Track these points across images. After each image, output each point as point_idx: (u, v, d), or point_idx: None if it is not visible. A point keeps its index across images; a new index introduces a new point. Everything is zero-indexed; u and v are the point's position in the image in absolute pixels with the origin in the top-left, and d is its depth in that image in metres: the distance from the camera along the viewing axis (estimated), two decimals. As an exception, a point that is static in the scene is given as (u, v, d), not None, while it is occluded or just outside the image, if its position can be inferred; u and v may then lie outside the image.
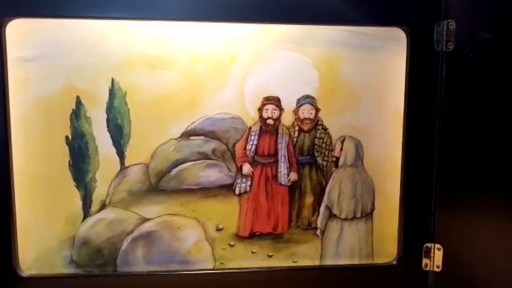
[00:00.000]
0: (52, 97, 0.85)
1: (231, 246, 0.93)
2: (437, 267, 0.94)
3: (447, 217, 0.93)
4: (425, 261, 0.94)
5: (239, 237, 0.93)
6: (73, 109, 0.86)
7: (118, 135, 0.88)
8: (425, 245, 0.94)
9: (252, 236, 0.94)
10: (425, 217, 0.93)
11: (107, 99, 0.86)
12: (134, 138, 0.88)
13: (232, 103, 0.89)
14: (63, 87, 0.85)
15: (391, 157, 0.94)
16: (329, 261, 0.96)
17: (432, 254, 0.94)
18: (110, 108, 0.87)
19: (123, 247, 0.90)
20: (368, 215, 0.96)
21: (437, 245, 0.93)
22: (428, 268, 0.94)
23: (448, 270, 0.94)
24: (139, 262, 0.91)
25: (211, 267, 0.93)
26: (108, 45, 0.85)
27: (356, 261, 0.96)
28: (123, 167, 0.88)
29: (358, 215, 0.95)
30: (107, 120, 0.87)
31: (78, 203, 0.88)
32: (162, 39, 0.86)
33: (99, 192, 0.88)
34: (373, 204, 0.96)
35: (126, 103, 0.87)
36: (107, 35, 0.85)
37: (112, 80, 0.86)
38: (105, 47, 0.85)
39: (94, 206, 0.89)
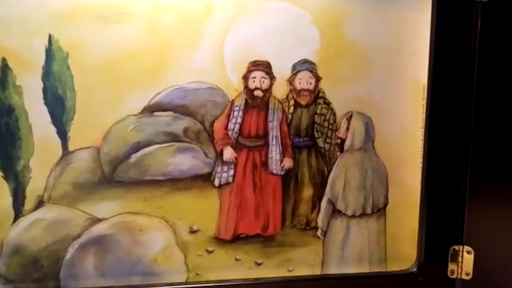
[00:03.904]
0: (-30, 60, 0.79)
1: (209, 252, 0.87)
2: (466, 274, 0.89)
3: (479, 214, 0.87)
4: (451, 267, 0.89)
5: (219, 240, 0.88)
6: (-2, 76, 0.80)
7: (59, 109, 0.80)
8: (451, 248, 0.89)
9: (236, 239, 0.89)
10: (452, 214, 0.88)
11: (43, 63, 0.79)
12: (80, 113, 0.81)
13: (209, 69, 0.83)
14: (-15, 47, 0.78)
15: (409, 139, 0.89)
16: (332, 269, 0.91)
17: (460, 259, 0.89)
18: (47, 74, 0.79)
19: (68, 255, 0.83)
20: (380, 210, 0.91)
21: (467, 248, 0.88)
22: (455, 276, 0.90)
23: (479, 278, 0.89)
24: (89, 275, 0.85)
25: (184, 280, 0.87)
26: (45, -8, 0.78)
27: (365, 269, 0.92)
28: (66, 152, 0.81)
29: (368, 211, 0.90)
30: (44, 90, 0.80)
31: (7, 199, 0.81)
32: (117, -16, 0.80)
33: (35, 185, 0.82)
34: (386, 197, 0.90)
35: (68, 68, 0.80)
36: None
37: (50, 37, 0.78)
38: (41, -6, 0.78)
39: (29, 203, 0.82)
